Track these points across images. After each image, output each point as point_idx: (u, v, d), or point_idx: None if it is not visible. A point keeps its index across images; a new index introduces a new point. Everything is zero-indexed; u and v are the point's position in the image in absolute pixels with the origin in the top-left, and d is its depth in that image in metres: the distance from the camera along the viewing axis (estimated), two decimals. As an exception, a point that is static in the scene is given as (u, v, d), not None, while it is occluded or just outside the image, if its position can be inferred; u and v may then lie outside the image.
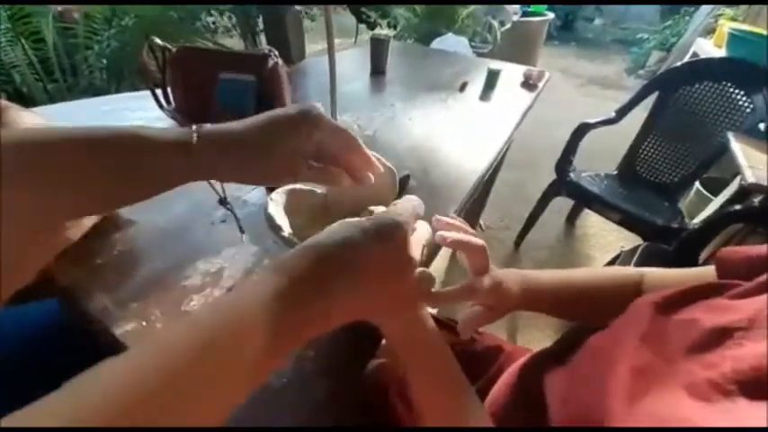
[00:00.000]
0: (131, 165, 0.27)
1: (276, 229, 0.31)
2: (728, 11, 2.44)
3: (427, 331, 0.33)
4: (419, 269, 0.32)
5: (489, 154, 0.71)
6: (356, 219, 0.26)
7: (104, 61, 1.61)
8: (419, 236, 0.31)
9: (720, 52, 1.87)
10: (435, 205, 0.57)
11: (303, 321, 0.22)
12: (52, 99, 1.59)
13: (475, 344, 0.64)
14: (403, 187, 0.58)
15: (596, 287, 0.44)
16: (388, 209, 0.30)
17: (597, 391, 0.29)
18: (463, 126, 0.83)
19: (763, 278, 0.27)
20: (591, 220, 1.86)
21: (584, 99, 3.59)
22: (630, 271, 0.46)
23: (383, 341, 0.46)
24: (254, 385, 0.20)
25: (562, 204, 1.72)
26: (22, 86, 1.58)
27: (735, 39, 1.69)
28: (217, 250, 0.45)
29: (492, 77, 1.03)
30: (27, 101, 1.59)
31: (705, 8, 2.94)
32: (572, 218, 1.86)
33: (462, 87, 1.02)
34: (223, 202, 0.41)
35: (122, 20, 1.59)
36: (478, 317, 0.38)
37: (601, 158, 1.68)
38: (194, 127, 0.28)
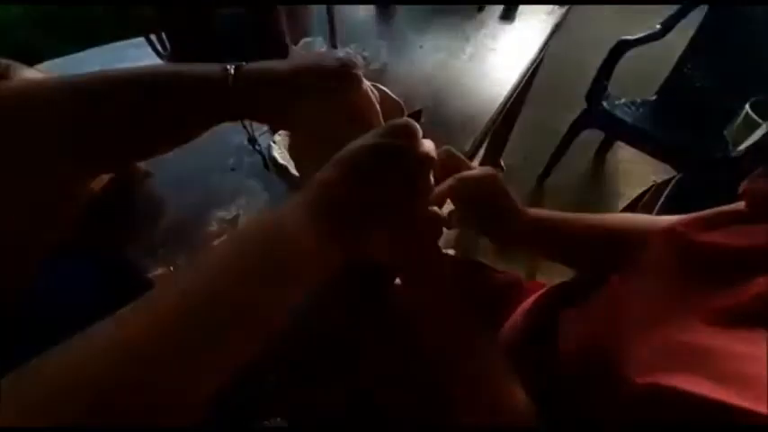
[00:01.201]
0: (167, 105, 0.27)
1: (281, 169, 0.31)
2: None
3: (441, 264, 0.34)
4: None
5: (510, 81, 0.65)
6: (373, 129, 0.26)
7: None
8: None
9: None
10: (452, 142, 0.54)
11: (342, 221, 0.23)
12: (57, 53, 1.57)
13: (495, 278, 0.65)
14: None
15: (619, 232, 0.41)
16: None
17: (610, 323, 0.28)
18: (481, 53, 0.75)
19: None
20: (622, 154, 1.73)
21: (620, 15, 3.13)
22: (645, 219, 0.42)
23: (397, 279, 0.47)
24: (311, 284, 0.22)
25: (592, 138, 1.60)
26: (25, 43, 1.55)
27: None
28: (231, 198, 0.45)
29: (515, -7, 0.90)
30: (30, 56, 1.58)
31: None
32: (602, 152, 1.74)
33: (481, 7, 0.90)
34: (252, 140, 0.40)
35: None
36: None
37: (638, 84, 1.51)
38: (231, 67, 0.27)
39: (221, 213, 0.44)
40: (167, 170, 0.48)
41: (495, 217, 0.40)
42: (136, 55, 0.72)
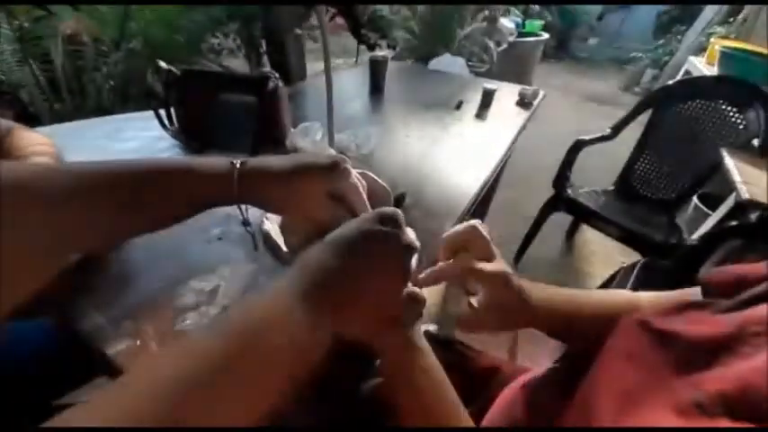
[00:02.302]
0: (179, 193, 0.30)
1: (273, 246, 0.32)
2: (720, 29, 2.51)
3: (418, 350, 0.33)
4: (409, 288, 0.33)
5: (485, 171, 0.73)
6: (361, 215, 0.29)
7: (111, 82, 1.66)
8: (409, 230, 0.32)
9: (712, 70, 1.91)
10: (431, 223, 0.58)
11: (330, 305, 0.24)
12: (60, 118, 1.63)
13: (472, 363, 0.63)
14: (399, 205, 0.59)
15: (605, 316, 0.43)
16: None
17: (585, 413, 0.28)
18: (459, 144, 0.84)
19: (744, 295, 0.28)
20: (590, 236, 1.86)
21: (579, 116, 3.64)
22: (630, 297, 0.45)
23: (377, 362, 0.45)
24: (292, 381, 0.21)
25: (561, 220, 1.72)
26: (29, 106, 1.62)
27: (726, 57, 1.73)
28: (212, 268, 0.45)
29: (487, 96, 1.05)
30: (34, 120, 1.63)
31: (697, 27, 3.03)
32: (571, 233, 1.86)
33: (458, 106, 1.04)
34: (246, 223, 0.42)
35: (130, 43, 1.65)
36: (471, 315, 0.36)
37: (599, 174, 1.70)
38: (238, 163, 0.31)
39: (199, 284, 0.43)
40: (149, 237, 0.48)
41: (501, 316, 0.38)
42: (140, 126, 0.77)
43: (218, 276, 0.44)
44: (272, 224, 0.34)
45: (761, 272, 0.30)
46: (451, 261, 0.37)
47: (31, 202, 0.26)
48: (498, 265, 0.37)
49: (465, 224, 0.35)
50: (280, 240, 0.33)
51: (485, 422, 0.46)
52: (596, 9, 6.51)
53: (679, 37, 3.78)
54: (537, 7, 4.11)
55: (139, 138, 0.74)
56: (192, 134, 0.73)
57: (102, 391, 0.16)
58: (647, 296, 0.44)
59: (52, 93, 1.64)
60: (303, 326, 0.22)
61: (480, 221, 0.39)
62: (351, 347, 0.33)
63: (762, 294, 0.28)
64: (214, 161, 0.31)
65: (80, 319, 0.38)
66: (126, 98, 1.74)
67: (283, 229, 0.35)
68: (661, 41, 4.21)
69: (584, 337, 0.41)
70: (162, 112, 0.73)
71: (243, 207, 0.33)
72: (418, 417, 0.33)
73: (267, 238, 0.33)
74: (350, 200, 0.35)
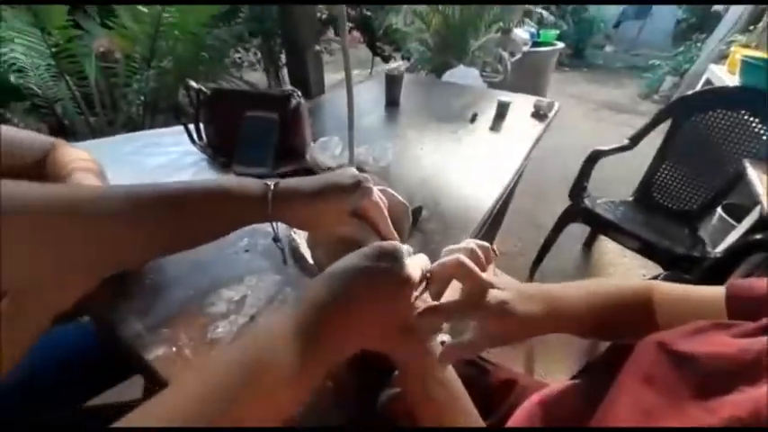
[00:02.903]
0: (218, 213, 0.33)
1: (300, 258, 0.34)
2: (741, 37, 2.45)
3: (434, 361, 0.35)
4: (423, 301, 0.34)
5: (500, 184, 0.74)
6: (362, 249, 0.30)
7: (142, 98, 1.75)
8: (418, 259, 0.33)
9: (733, 79, 1.87)
10: (448, 235, 0.59)
11: (326, 340, 0.25)
12: (93, 131, 1.73)
13: (488, 376, 0.63)
14: (416, 218, 0.60)
15: (614, 311, 0.43)
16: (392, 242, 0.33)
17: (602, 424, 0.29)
18: (474, 157, 0.86)
19: (764, 321, 0.28)
20: (608, 247, 1.82)
21: (596, 124, 3.59)
22: (641, 286, 0.44)
23: (395, 372, 0.46)
24: (287, 412, 0.23)
25: (578, 232, 1.70)
26: (63, 119, 1.72)
27: (748, 66, 1.69)
28: (240, 279, 0.48)
29: (502, 109, 1.07)
30: (69, 133, 1.73)
31: (717, 35, 2.96)
32: (589, 244, 1.83)
33: (473, 119, 1.06)
34: (276, 239, 0.44)
35: (161, 61, 1.74)
36: (464, 343, 0.35)
37: (618, 184, 1.67)
38: (272, 185, 0.34)
39: (228, 293, 0.46)
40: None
41: (504, 339, 0.36)
42: (170, 142, 0.82)
43: (246, 286, 0.46)
44: (300, 238, 0.36)
45: None
46: (443, 301, 0.36)
47: (84, 221, 0.28)
48: (495, 293, 0.34)
49: (450, 258, 0.33)
50: (307, 254, 0.36)
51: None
52: (612, 17, 6.45)
53: (699, 44, 3.71)
54: (552, 17, 4.11)
55: (170, 153, 0.79)
56: (218, 149, 0.77)
57: None
58: (659, 288, 0.42)
59: (86, 107, 1.74)
60: (296, 367, 0.23)
61: (474, 244, 0.39)
62: (370, 359, 0.34)
63: None
64: (249, 183, 0.34)
65: (120, 325, 0.41)
66: (155, 112, 1.83)
67: (310, 242, 0.37)
68: (681, 49, 4.14)
69: (611, 327, 0.41)
70: (191, 127, 0.78)
71: (274, 224, 0.36)
72: (433, 424, 0.34)
73: (295, 250, 0.35)
74: (372, 217, 0.37)
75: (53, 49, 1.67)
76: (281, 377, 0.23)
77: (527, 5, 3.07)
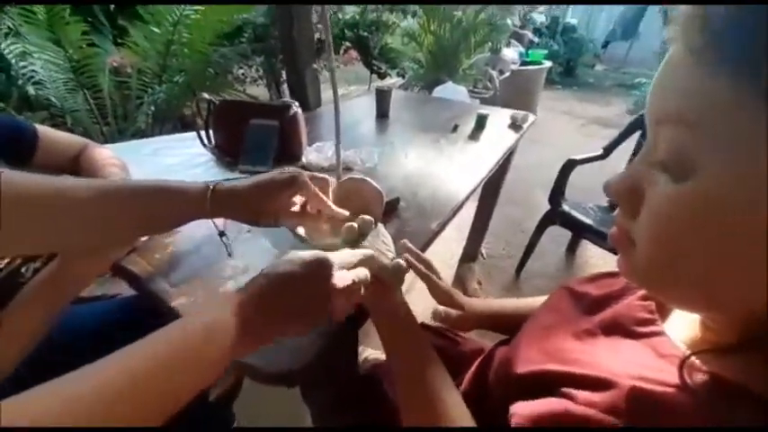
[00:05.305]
0: (165, 210, 0.41)
1: (294, 231, 0.44)
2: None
3: (402, 313, 0.44)
4: (392, 259, 0.44)
5: (473, 180, 0.84)
6: (296, 254, 0.35)
7: (152, 109, 1.88)
8: (352, 272, 0.38)
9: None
10: (422, 222, 0.69)
11: (259, 327, 0.32)
12: (106, 140, 1.85)
13: (459, 346, 0.72)
14: (394, 208, 0.71)
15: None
16: (331, 254, 0.38)
17: (514, 346, 0.39)
18: (451, 160, 0.97)
19: None
20: (592, 251, 1.92)
21: (584, 138, 3.75)
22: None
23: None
24: (220, 373, 0.29)
25: (562, 236, 1.80)
26: (76, 127, 1.84)
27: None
28: (243, 253, 0.58)
29: (481, 120, 1.18)
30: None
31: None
32: (572, 247, 1.93)
33: (454, 129, 1.18)
34: (221, 234, 0.56)
35: (173, 77, 1.88)
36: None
37: (597, 191, 1.78)
38: (211, 186, 0.41)
39: (234, 262, 0.56)
40: (194, 230, 0.61)
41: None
42: (182, 145, 0.93)
43: (248, 258, 0.56)
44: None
45: None
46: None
47: (67, 204, 0.36)
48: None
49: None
50: (300, 229, 0.46)
51: (465, 379, 0.55)
52: (600, 38, 6.73)
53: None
54: (541, 37, 4.33)
55: (182, 154, 0.89)
56: (225, 151, 0.88)
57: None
58: None
59: (101, 117, 1.87)
60: (234, 338, 0.29)
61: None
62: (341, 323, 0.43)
63: None
64: (193, 185, 0.41)
65: (150, 284, 0.50)
66: (163, 123, 1.96)
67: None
68: (665, 67, 4.33)
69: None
70: (202, 133, 0.89)
71: (217, 221, 0.45)
72: (400, 364, 0.43)
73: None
74: (314, 205, 0.46)
75: (72, 64, 1.80)
76: (223, 345, 0.28)
77: (514, 30, 3.25)
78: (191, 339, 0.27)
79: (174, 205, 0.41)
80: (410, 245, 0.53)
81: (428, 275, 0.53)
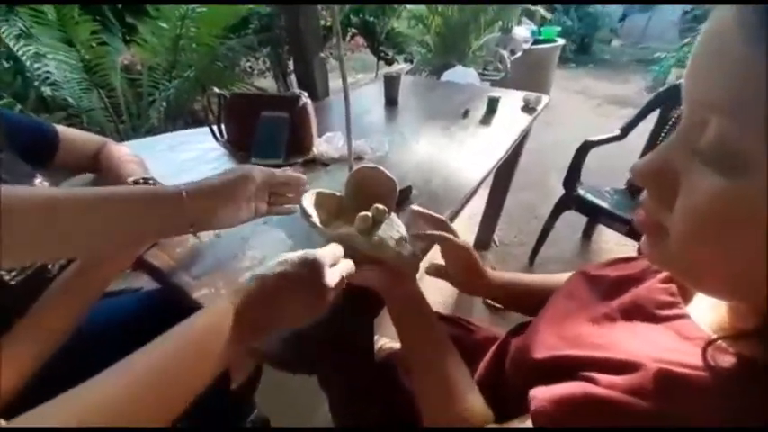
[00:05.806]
0: (142, 213, 0.38)
1: (307, 216, 0.44)
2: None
3: (417, 301, 0.45)
4: (409, 250, 0.45)
5: (485, 166, 0.83)
6: (291, 254, 0.36)
7: (164, 105, 1.90)
8: (342, 266, 0.39)
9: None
10: (435, 210, 0.69)
11: (256, 323, 0.33)
12: (121, 138, 1.89)
13: (473, 335, 0.73)
14: (406, 197, 0.70)
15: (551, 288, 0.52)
16: (319, 251, 0.38)
17: (531, 331, 0.39)
18: (463, 146, 0.95)
19: None
20: (607, 236, 1.88)
21: (600, 119, 3.63)
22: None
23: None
24: (221, 368, 0.31)
25: (577, 221, 1.76)
26: (92, 127, 1.89)
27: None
28: (260, 244, 0.59)
29: (492, 104, 1.16)
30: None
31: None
32: (588, 233, 1.89)
33: (465, 114, 1.15)
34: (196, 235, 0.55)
35: (183, 73, 1.90)
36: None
37: (614, 175, 1.73)
38: (183, 186, 0.40)
39: (252, 253, 0.57)
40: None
41: (464, 274, 0.53)
42: (196, 140, 0.94)
43: (264, 249, 0.57)
44: (307, 201, 0.46)
45: None
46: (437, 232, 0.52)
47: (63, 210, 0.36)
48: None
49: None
50: (313, 213, 0.46)
51: (480, 367, 0.56)
52: (617, 11, 6.41)
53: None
54: (554, 13, 4.16)
55: (196, 149, 0.91)
56: (237, 145, 0.89)
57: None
58: None
59: (116, 115, 1.91)
60: (232, 335, 0.31)
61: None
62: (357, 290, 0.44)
63: None
64: (169, 187, 0.40)
65: (172, 277, 0.52)
66: (175, 119, 1.99)
67: (315, 205, 0.48)
68: (687, 40, 4.12)
69: (535, 306, 0.50)
70: (215, 128, 0.90)
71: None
72: (414, 350, 0.43)
73: (303, 210, 0.45)
74: (289, 194, 0.50)
75: (84, 64, 1.84)
76: (222, 340, 0.30)
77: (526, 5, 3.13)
78: (198, 335, 0.30)
79: (153, 210, 0.39)
80: (419, 208, 0.53)
81: (444, 236, 0.50)
